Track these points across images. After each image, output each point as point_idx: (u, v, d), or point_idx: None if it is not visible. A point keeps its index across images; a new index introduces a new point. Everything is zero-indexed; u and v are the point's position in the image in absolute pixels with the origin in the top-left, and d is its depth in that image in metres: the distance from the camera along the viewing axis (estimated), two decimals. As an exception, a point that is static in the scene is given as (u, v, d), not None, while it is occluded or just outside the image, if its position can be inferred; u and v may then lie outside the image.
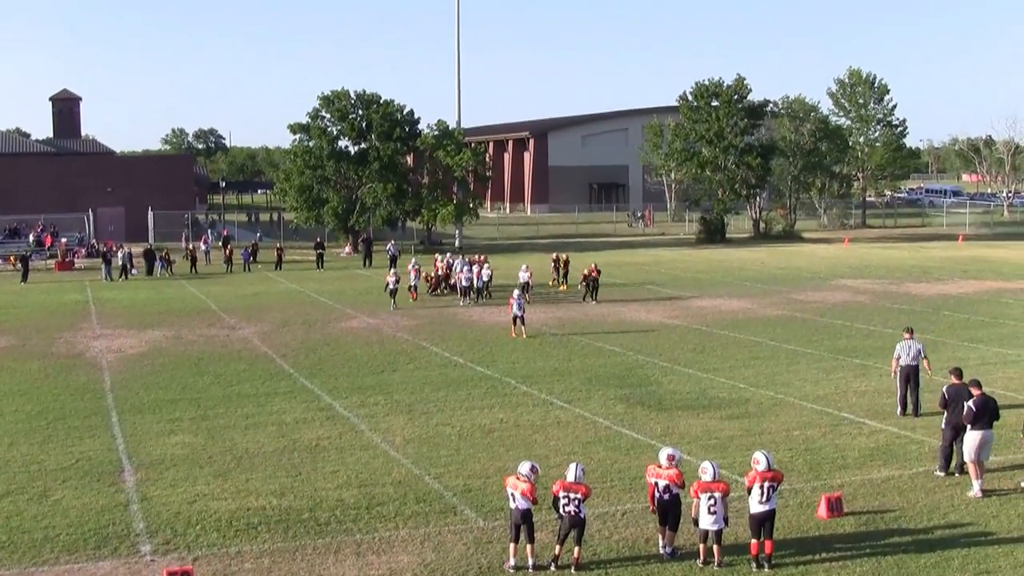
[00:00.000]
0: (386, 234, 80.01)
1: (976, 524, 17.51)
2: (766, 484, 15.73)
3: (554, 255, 54.62)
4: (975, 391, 19.51)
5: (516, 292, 38.23)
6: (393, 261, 60.13)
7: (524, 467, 15.97)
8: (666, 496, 16.01)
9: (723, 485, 15.75)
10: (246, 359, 33.57)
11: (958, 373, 21.11)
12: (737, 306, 45.51)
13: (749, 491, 15.94)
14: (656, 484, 16.15)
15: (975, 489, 18.94)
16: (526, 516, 15.64)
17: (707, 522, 15.55)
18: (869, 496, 18.98)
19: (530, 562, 15.66)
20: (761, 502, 15.73)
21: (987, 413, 19.16)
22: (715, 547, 15.61)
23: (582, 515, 15.54)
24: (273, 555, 16.33)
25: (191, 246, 69.09)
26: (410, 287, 48.01)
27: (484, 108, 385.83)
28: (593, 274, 46.35)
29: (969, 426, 19.18)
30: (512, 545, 15.80)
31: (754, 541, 15.78)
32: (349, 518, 17.95)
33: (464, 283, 47.45)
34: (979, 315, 41.84)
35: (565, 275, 53.10)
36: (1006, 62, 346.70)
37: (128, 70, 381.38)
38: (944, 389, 20.80)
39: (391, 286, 46.02)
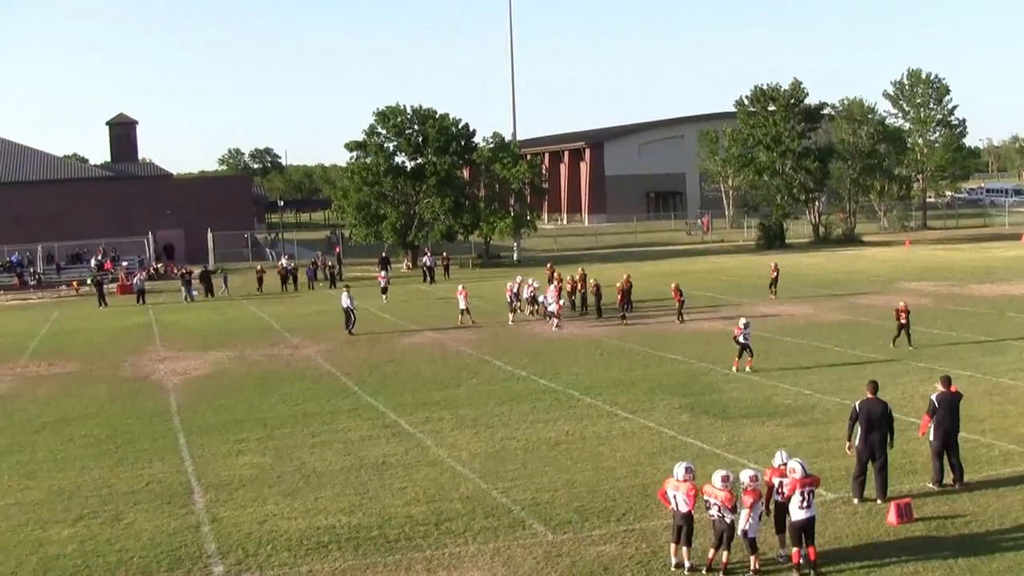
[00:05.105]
0: (444, 247, 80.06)
1: (1051, 528, 17.26)
2: (807, 490, 15.80)
3: (674, 284, 51.96)
4: None
5: (743, 322, 32.94)
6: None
7: (680, 470, 16.08)
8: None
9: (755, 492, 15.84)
10: (310, 378, 33.82)
11: (946, 381, 20.44)
12: (799, 311, 45.20)
13: (788, 500, 15.95)
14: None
15: None
16: (687, 518, 15.86)
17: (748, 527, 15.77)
18: (939, 501, 18.80)
19: (686, 564, 15.93)
20: (802, 507, 15.75)
21: None
22: (726, 555, 15.82)
23: (727, 520, 15.66)
24: (344, 573, 16.47)
25: (279, 265, 69.21)
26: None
27: (539, 119, 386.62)
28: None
29: None
30: (673, 545, 16.10)
31: (795, 549, 15.78)
32: (418, 534, 18.04)
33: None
34: (1046, 315, 41.26)
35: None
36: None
37: (184, 92, 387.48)
38: (933, 397, 20.12)
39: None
